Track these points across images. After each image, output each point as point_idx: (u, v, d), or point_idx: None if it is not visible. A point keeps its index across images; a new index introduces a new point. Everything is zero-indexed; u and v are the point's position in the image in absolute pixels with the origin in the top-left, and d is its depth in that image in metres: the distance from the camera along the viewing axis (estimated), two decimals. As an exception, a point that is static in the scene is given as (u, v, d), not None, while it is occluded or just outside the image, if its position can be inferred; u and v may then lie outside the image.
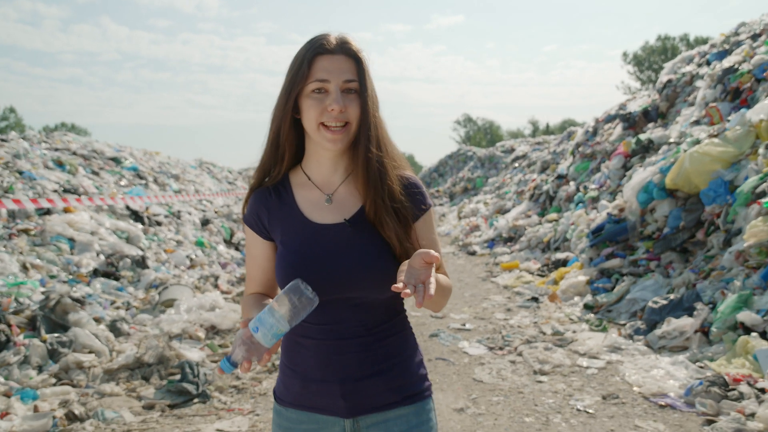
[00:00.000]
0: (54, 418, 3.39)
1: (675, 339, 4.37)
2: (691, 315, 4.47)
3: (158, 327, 5.19)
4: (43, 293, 5.05)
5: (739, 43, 9.04)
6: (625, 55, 49.47)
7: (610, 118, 11.59)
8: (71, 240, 6.88)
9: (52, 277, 5.94)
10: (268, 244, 1.39)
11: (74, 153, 11.16)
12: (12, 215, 6.99)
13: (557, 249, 8.32)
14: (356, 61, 1.31)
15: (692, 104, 8.70)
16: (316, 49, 1.29)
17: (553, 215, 9.53)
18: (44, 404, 3.59)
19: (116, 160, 12.07)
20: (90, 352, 4.37)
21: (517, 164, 19.93)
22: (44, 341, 4.25)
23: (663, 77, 10.58)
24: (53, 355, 4.21)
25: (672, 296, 4.86)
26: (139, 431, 3.30)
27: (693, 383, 3.43)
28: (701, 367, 3.78)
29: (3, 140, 9.58)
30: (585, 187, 9.36)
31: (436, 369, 4.25)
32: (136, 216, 8.93)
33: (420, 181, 1.42)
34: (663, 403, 3.35)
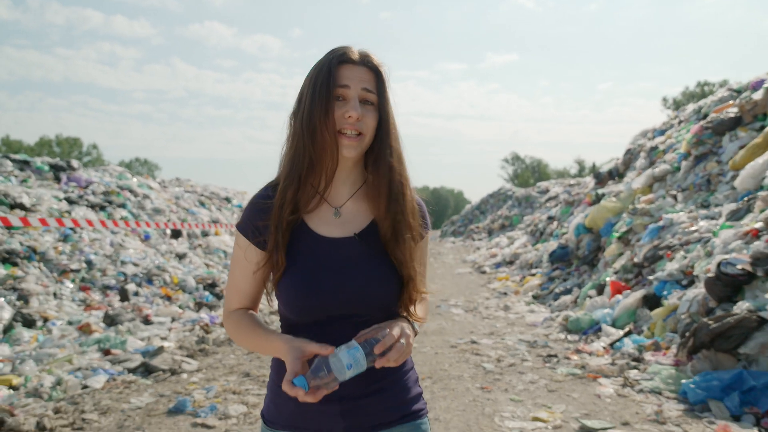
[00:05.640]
0: (257, 322, 7.63)
1: (562, 305, 8.20)
2: (571, 293, 8.31)
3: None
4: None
5: (671, 126, 12.72)
6: (665, 100, 52.22)
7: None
8: (224, 251, 11.31)
9: (220, 272, 10.32)
10: (263, 254, 1.34)
11: (201, 195, 15.85)
12: (188, 236, 11.52)
13: (535, 267, 12.11)
14: (376, 75, 1.33)
15: (634, 169, 12.41)
16: (339, 58, 1.31)
17: (539, 246, 13.34)
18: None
19: (227, 199, 16.74)
20: (259, 303, 8.63)
21: (548, 204, 21.45)
22: (239, 296, 8.55)
23: (628, 146, 14.31)
24: (243, 303, 8.48)
25: (569, 286, 8.70)
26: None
27: (547, 317, 7.31)
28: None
29: (165, 186, 14.34)
30: (562, 225, 13.13)
31: (433, 316, 8.22)
32: (252, 239, 13.38)
33: (423, 203, 1.43)
34: (531, 324, 7.23)
